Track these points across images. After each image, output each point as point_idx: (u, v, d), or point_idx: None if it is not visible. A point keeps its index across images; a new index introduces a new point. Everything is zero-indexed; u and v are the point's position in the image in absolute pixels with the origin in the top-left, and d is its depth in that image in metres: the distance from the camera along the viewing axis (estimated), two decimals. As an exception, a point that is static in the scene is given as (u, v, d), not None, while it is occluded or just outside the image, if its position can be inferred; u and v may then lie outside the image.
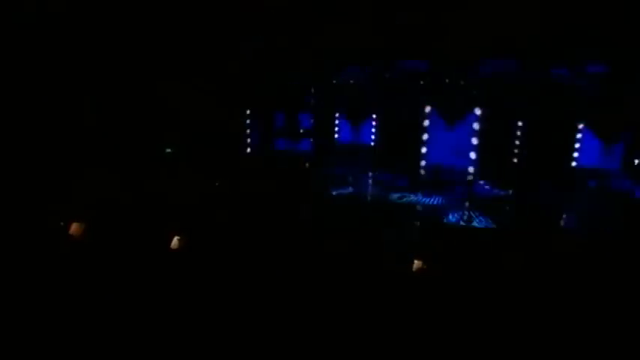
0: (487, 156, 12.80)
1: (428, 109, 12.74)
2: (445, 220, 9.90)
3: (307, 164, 14.84)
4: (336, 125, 15.47)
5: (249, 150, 14.80)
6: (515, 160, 13.21)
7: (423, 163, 13.52)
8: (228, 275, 5.35)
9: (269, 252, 6.64)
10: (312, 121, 15.02)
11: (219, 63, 12.52)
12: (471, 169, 13.01)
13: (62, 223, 4.02)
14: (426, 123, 13.11)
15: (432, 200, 11.73)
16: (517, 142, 13.41)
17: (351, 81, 14.27)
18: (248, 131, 14.73)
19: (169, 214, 6.35)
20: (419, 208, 11.02)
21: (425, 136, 13.32)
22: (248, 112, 14.67)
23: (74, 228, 4.05)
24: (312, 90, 14.85)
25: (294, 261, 6.58)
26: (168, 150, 12.60)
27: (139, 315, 4.20)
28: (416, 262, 6.38)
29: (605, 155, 11.84)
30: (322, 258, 6.87)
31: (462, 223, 9.75)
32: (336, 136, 15.49)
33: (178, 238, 5.43)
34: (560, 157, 12.37)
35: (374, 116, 15.03)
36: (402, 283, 6.29)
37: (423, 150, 13.45)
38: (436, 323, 5.31)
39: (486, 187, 12.79)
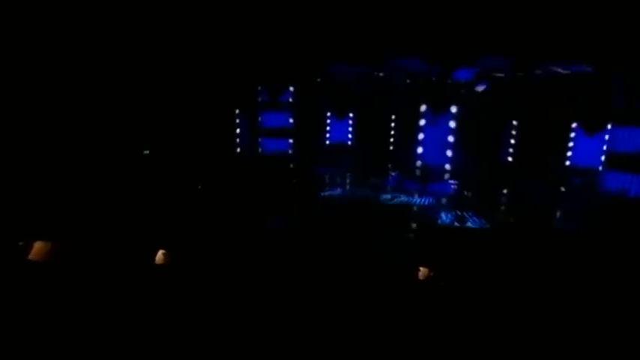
0: (478, 155, 12.59)
1: (423, 107, 12.29)
2: (439, 222, 9.53)
3: (291, 165, 14.19)
4: (321, 125, 14.92)
5: (228, 150, 14.00)
6: (504, 159, 13.05)
7: (413, 162, 13.17)
8: (219, 290, 4.68)
9: (261, 261, 6.01)
10: (294, 120, 14.37)
11: (205, 60, 11.68)
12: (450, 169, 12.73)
13: (21, 243, 3.24)
14: (421, 122, 12.71)
15: (423, 200, 11.36)
16: (505, 141, 13.29)
17: (338, 79, 13.72)
18: (238, 131, 13.91)
19: (151, 224, 5.58)
20: (414, 209, 10.63)
21: (418, 136, 12.92)
22: (224, 111, 13.83)
23: (37, 248, 3.27)
24: (296, 88, 14.20)
25: (289, 269, 5.98)
26: (146, 152, 11.62)
27: (119, 346, 3.49)
28: (422, 269, 5.88)
29: (590, 153, 11.80)
30: (317, 265, 6.31)
31: (456, 223, 9.41)
32: (321, 135, 14.93)
33: (163, 251, 4.69)
34: (550, 156, 12.29)
35: (360, 115, 14.58)
36: (407, 292, 5.79)
37: (411, 149, 13.10)
38: (444, 334, 4.88)
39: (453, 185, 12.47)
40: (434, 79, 12.70)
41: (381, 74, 12.35)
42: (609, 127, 10.94)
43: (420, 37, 9.39)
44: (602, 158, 11.18)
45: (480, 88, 12.52)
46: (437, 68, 10.89)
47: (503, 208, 10.61)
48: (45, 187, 6.34)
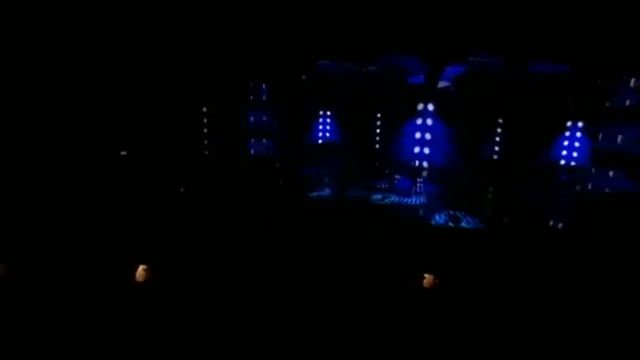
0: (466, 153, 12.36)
1: (421, 106, 11.87)
2: (433, 222, 9.22)
3: (277, 165, 13.62)
4: (307, 123, 14.37)
5: (210, 152, 13.26)
6: (490, 157, 12.85)
7: (397, 160, 12.86)
8: (209, 310, 4.14)
9: (253, 274, 5.49)
10: (277, 118, 13.81)
11: (179, 55, 10.96)
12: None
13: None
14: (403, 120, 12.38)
15: (414, 200, 11.05)
16: (492, 139, 13.09)
17: (324, 76, 13.21)
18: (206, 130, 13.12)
19: (130, 235, 4.92)
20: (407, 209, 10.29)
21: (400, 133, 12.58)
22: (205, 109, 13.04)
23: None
24: (278, 86, 13.63)
25: (284, 279, 5.48)
26: (123, 153, 10.79)
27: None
28: (426, 276, 5.49)
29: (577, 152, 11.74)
30: (313, 274, 5.83)
31: (450, 224, 9.13)
32: (307, 134, 14.39)
33: (145, 267, 4.11)
34: (537, 154, 12.16)
35: (347, 113, 14.12)
36: (413, 300, 5.38)
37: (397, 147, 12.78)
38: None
39: None
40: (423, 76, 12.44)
41: (369, 68, 11.92)
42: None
43: (413, 33, 9.04)
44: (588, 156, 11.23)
45: (444, 84, 12.26)
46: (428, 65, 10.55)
47: (495, 207, 10.39)
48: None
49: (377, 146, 14.16)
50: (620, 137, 10.15)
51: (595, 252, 7.11)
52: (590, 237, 8.14)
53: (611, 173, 10.05)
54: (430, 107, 11.99)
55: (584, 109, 11.09)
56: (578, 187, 11.18)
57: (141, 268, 4.15)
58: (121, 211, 6.23)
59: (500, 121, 13.13)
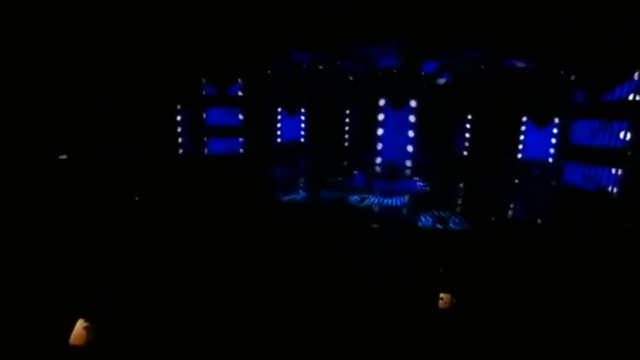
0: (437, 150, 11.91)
1: (382, 102, 11.18)
2: (420, 225, 8.46)
3: (245, 166, 12.33)
4: (273, 121, 13.19)
5: (174, 152, 11.70)
6: (460, 153, 12.46)
7: (378, 159, 12.18)
8: None
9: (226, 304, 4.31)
10: (244, 117, 12.50)
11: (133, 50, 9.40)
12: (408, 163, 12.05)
13: None
14: (380, 117, 11.69)
15: (393, 201, 10.28)
16: (462, 136, 12.72)
17: (291, 70, 12.10)
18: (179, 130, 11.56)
19: (67, 272, 3.45)
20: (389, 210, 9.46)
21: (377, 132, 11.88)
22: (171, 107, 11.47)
23: None
24: (245, 81, 12.33)
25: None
26: (63, 156, 8.96)
27: None
28: (443, 295, 4.61)
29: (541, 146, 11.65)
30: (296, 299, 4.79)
31: (438, 226, 8.42)
32: (273, 133, 13.22)
33: (85, 324, 2.82)
34: (504, 149, 11.92)
35: (315, 110, 13.14)
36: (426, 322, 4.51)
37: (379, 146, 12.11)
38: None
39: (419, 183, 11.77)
40: (395, 71, 11.76)
41: (344, 65, 10.98)
42: (557, 120, 10.91)
43: (395, 24, 8.18)
44: (552, 150, 11.15)
45: (442, 81, 11.81)
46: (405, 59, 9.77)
47: (479, 206, 9.86)
48: None
49: (346, 144, 13.34)
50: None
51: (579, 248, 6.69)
52: (571, 232, 7.81)
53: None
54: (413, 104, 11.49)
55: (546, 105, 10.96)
56: (549, 181, 11.03)
57: (80, 324, 2.85)
58: (57, 235, 4.63)
59: (470, 117, 12.75)
